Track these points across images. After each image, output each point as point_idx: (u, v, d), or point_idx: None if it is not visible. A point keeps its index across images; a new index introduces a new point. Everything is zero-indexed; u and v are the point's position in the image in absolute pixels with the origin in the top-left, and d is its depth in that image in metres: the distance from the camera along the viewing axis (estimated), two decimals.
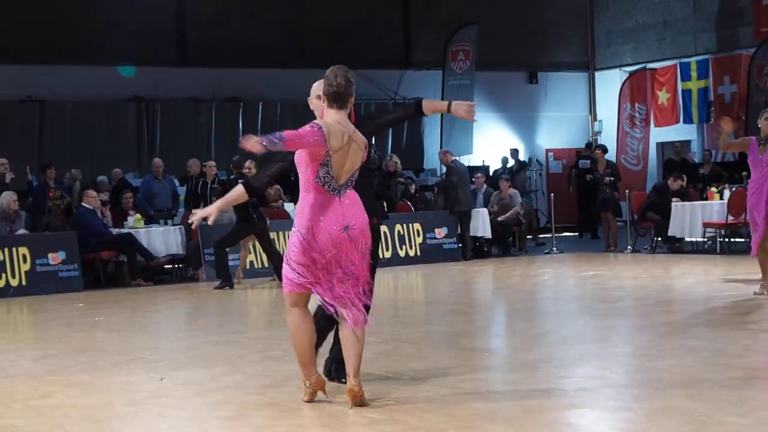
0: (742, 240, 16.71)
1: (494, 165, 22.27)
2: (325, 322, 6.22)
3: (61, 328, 10.74)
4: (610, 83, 24.07)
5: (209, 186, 16.06)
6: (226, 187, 13.67)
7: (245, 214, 13.69)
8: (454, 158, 17.98)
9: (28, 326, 11.95)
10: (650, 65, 23.12)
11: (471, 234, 17.73)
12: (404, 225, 16.99)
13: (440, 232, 17.39)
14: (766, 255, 10.36)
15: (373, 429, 5.45)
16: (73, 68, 18.95)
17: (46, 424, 5.94)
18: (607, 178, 18.02)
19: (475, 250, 17.91)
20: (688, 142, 22.33)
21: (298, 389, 6.65)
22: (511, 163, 22.03)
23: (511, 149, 22.23)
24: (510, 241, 18.59)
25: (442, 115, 21.94)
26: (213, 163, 16.77)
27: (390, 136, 22.07)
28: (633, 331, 9.23)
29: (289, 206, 16.39)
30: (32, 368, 8.00)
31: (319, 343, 6.30)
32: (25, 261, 13.86)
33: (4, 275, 13.68)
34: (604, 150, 19.40)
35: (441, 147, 21.67)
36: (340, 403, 5.92)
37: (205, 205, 16.49)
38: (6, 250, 13.77)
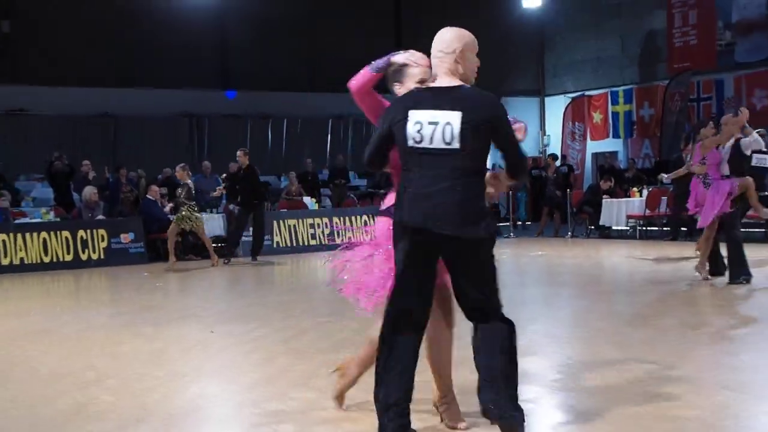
0: (656, 228, 16.78)
1: None
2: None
3: (129, 291, 10.80)
4: (556, 106, 24.08)
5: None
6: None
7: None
8: None
9: (105, 290, 11.98)
10: (587, 93, 23.11)
11: None
12: None
13: None
14: (707, 242, 9.47)
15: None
16: (140, 90, 18.96)
17: (119, 365, 5.99)
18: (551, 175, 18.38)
19: None
20: (615, 153, 22.31)
21: (314, 339, 6.68)
22: None
23: None
24: None
25: None
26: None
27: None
28: (572, 297, 9.27)
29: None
30: (108, 322, 8.06)
31: None
32: (102, 240, 13.93)
33: (86, 251, 13.76)
34: (555, 158, 19.60)
35: None
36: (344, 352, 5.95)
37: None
38: (88, 231, 13.87)
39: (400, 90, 4.01)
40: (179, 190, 13.45)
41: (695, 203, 9.47)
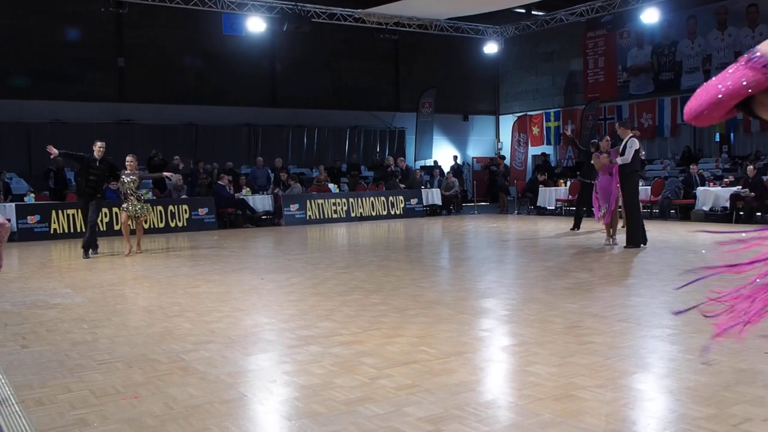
0: (575, 209, 16.67)
1: (445, 166, 21.87)
2: None
3: (203, 249, 10.72)
4: (507, 122, 23.86)
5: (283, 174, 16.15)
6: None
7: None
8: (406, 163, 18.25)
9: (186, 248, 11.88)
10: (529, 113, 22.94)
11: (429, 202, 17.58)
12: (394, 196, 16.92)
13: (413, 201, 17.30)
14: (613, 222, 9.54)
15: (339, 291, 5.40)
16: (213, 107, 18.83)
17: (196, 301, 5.93)
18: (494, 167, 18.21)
19: (431, 211, 17.80)
20: (548, 155, 22.10)
21: (334, 285, 6.60)
22: (452, 163, 21.82)
23: (453, 156, 22.12)
24: (451, 207, 18.49)
25: (416, 133, 21.65)
26: (279, 160, 16.84)
27: (387, 146, 21.77)
28: (516, 256, 9.19)
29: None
30: (188, 271, 7.99)
31: None
32: (186, 212, 13.84)
33: (174, 220, 13.67)
34: (502, 158, 19.61)
35: (415, 156, 21.55)
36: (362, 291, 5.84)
37: (283, 183, 16.50)
38: (176, 206, 13.79)
39: None
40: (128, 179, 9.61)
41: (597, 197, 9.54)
